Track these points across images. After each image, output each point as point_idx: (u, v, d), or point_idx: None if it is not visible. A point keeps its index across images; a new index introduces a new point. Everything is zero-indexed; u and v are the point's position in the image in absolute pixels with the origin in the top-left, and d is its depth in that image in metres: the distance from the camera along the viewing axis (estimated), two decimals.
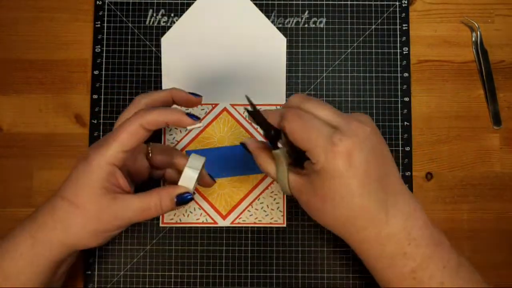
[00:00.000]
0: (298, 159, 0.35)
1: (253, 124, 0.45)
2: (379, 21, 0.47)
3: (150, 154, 0.41)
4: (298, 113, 0.33)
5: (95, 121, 0.45)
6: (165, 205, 0.36)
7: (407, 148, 0.45)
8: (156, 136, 0.45)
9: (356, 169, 0.31)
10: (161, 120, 0.35)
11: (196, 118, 0.36)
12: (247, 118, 0.45)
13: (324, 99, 0.46)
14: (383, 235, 0.33)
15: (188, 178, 0.37)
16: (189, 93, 0.39)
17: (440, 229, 0.35)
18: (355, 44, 0.46)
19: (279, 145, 0.35)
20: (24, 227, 0.35)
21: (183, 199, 0.36)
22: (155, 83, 0.46)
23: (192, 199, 0.37)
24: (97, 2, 0.47)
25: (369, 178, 0.32)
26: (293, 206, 0.44)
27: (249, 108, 0.33)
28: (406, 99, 0.46)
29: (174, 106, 0.40)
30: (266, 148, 0.37)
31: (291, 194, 0.36)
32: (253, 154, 0.37)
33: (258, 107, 0.33)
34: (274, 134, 0.34)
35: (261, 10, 0.47)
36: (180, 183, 0.37)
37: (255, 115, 0.33)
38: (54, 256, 0.35)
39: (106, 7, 0.47)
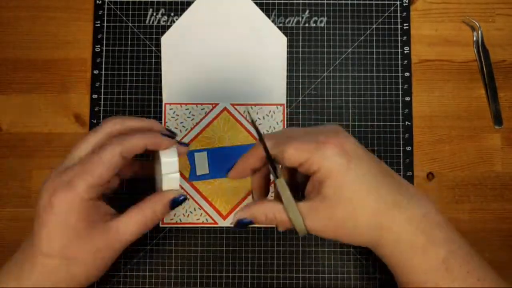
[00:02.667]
0: (295, 190, 0.33)
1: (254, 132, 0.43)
2: (380, 20, 0.47)
3: None
4: (283, 138, 0.32)
5: (95, 121, 0.45)
6: (160, 213, 0.33)
7: (408, 148, 0.45)
8: None
9: (356, 162, 0.30)
10: (141, 146, 0.32)
11: (172, 135, 0.34)
12: (247, 118, 0.45)
13: (325, 98, 0.46)
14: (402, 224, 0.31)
15: (172, 180, 0.34)
16: (167, 132, 0.35)
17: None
18: (356, 44, 0.46)
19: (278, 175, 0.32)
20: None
21: (178, 202, 0.34)
22: (155, 82, 0.46)
23: (186, 199, 0.34)
24: (97, 1, 0.47)
25: (375, 174, 0.31)
26: None
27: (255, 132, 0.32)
28: (407, 98, 0.46)
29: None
30: (264, 200, 0.35)
31: (307, 230, 0.32)
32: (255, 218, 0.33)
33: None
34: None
35: (262, 9, 0.46)
36: (164, 188, 0.34)
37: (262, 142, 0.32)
38: None
39: (106, 6, 0.47)
